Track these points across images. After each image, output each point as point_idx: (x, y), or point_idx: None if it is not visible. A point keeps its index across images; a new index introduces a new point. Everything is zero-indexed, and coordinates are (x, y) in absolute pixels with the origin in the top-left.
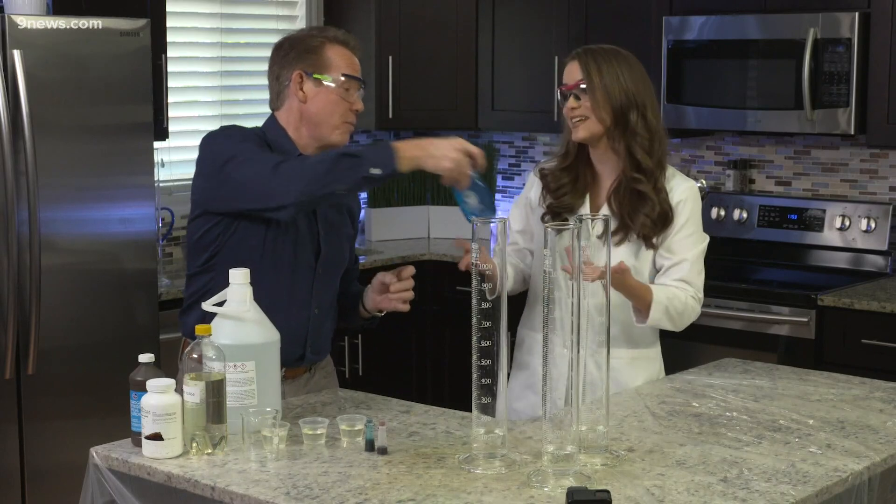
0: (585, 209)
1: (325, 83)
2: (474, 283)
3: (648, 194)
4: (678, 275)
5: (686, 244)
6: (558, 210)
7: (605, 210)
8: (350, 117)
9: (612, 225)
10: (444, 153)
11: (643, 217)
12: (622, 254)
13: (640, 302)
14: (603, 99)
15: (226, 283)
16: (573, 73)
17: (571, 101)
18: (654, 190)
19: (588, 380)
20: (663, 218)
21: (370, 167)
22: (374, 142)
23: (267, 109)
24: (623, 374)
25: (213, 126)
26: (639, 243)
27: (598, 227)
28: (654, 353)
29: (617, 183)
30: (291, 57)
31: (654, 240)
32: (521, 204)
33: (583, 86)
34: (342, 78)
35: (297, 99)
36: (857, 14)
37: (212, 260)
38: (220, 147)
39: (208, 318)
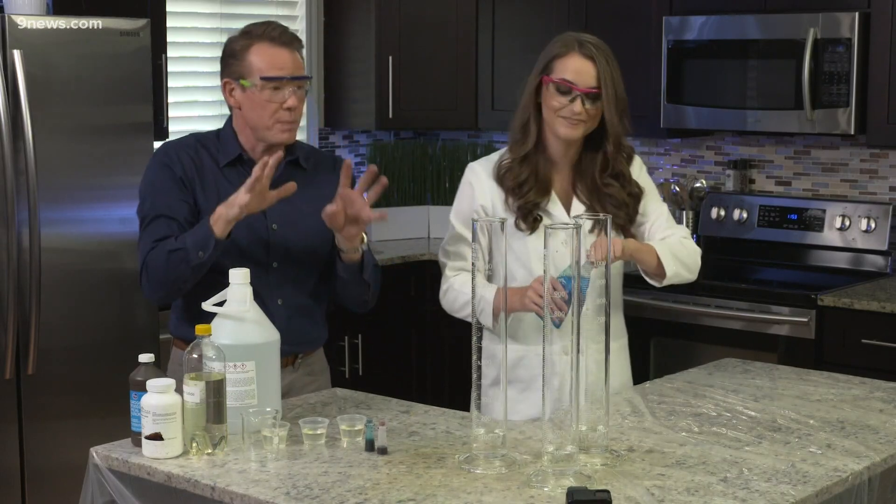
0: (556, 205)
1: (248, 88)
2: (473, 283)
3: (617, 195)
4: (661, 225)
5: (655, 204)
6: (529, 209)
7: (576, 203)
8: (284, 116)
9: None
10: (236, 195)
11: (613, 209)
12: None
13: (649, 260)
14: (609, 110)
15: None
16: (587, 74)
17: (578, 104)
18: (623, 186)
19: (590, 380)
20: (635, 200)
21: (196, 253)
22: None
23: None
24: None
25: (213, 126)
26: (617, 232)
27: (588, 225)
28: (625, 344)
29: (576, 177)
30: (223, 64)
31: (630, 227)
32: (469, 213)
33: (595, 91)
34: (261, 80)
35: (232, 105)
36: (857, 14)
37: None
38: (141, 197)
39: (193, 322)
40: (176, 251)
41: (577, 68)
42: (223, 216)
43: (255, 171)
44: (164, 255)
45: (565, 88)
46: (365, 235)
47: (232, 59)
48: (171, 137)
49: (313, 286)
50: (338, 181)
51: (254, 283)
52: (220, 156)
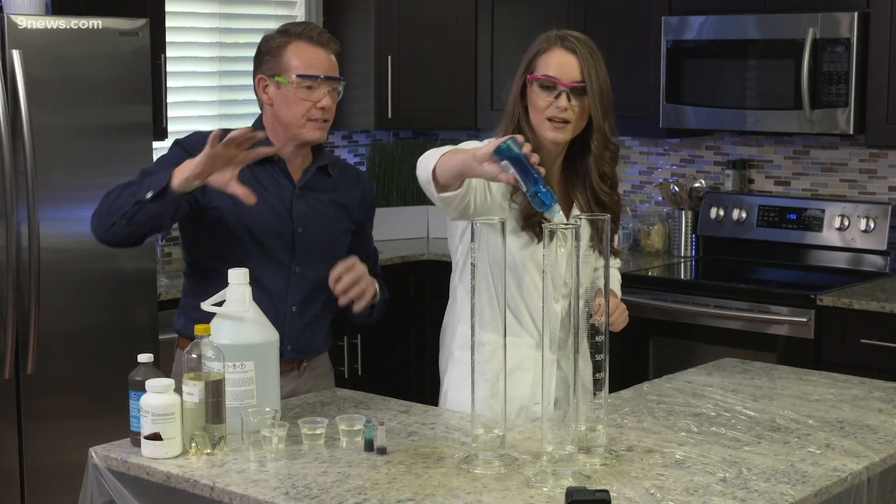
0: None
1: (283, 85)
2: (472, 283)
3: (612, 207)
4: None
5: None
6: (537, 219)
7: (576, 210)
8: (316, 114)
9: (588, 234)
10: (199, 155)
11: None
12: (594, 259)
13: None
14: (594, 104)
15: (205, 282)
16: (570, 68)
17: (563, 100)
18: (613, 188)
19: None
20: (619, 207)
21: (146, 191)
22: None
23: None
24: None
25: (213, 126)
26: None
27: (586, 230)
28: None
29: (574, 182)
30: (257, 61)
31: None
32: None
33: (580, 85)
34: (297, 78)
35: (265, 101)
36: (856, 14)
37: (191, 259)
38: None
39: (197, 321)
40: (131, 184)
41: (560, 62)
42: (183, 169)
43: (213, 139)
44: (120, 186)
45: (549, 84)
46: (377, 286)
47: (268, 56)
48: (171, 138)
49: (328, 295)
50: (358, 195)
51: (272, 287)
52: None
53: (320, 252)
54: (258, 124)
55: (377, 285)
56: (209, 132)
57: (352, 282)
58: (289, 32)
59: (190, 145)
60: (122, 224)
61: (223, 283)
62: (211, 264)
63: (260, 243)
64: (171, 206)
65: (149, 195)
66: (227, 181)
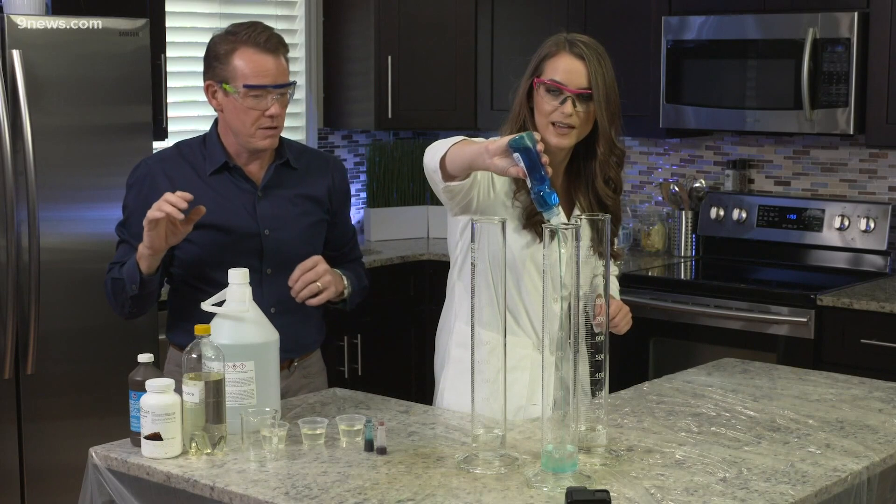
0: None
1: (231, 94)
2: (472, 283)
3: (615, 210)
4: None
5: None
6: (539, 219)
7: (577, 212)
8: (266, 123)
9: (589, 236)
10: (144, 236)
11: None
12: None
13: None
14: (600, 111)
15: (186, 295)
16: (577, 74)
17: (568, 106)
18: (616, 192)
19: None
20: (620, 212)
21: (130, 286)
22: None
23: None
24: None
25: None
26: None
27: (587, 231)
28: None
29: (577, 184)
30: (205, 65)
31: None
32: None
33: (586, 92)
34: (244, 88)
35: (215, 108)
36: (856, 14)
37: (169, 273)
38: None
39: (188, 331)
40: (117, 280)
41: (567, 68)
42: (142, 255)
43: (149, 213)
44: (110, 282)
45: (555, 89)
46: (345, 280)
47: (216, 62)
48: (171, 137)
49: None
50: (329, 182)
51: None
52: (206, 164)
53: (291, 251)
54: (213, 131)
55: (346, 279)
56: (157, 155)
57: (308, 282)
58: (236, 36)
59: (142, 181)
60: (136, 312)
61: (202, 297)
62: (186, 279)
63: (227, 252)
64: (155, 283)
65: (133, 288)
66: (184, 234)
